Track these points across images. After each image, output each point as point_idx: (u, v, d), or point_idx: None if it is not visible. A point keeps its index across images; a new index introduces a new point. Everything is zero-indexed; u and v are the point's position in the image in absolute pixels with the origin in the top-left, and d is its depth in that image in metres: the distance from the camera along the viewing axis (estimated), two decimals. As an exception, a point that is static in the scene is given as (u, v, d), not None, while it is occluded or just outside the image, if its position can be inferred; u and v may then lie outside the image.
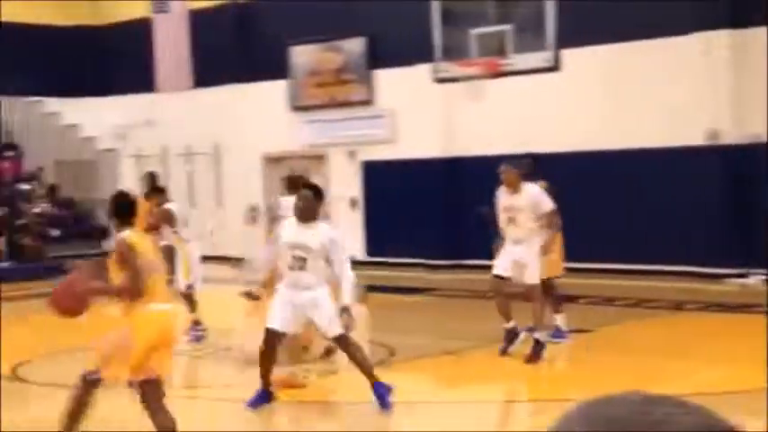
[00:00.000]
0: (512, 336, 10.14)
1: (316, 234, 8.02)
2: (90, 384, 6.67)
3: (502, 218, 10.26)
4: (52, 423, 8.11)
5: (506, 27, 17.73)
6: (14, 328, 13.58)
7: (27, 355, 10.88)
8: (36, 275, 18.44)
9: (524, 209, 10.12)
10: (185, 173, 23.19)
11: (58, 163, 22.18)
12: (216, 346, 11.74)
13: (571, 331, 10.99)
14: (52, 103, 22.64)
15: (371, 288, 14.37)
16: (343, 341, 8.08)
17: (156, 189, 12.86)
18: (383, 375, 8.29)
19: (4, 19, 22.80)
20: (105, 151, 22.30)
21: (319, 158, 21.57)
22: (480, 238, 18.65)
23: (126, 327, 6.54)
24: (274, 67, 21.44)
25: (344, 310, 7.84)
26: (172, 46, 23.45)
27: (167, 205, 12.47)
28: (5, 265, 18.54)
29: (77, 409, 6.71)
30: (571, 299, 11.93)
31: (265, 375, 8.14)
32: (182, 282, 12.08)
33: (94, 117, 23.19)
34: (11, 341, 12.68)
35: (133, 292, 6.45)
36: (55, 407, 8.72)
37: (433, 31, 18.54)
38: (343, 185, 20.57)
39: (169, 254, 11.02)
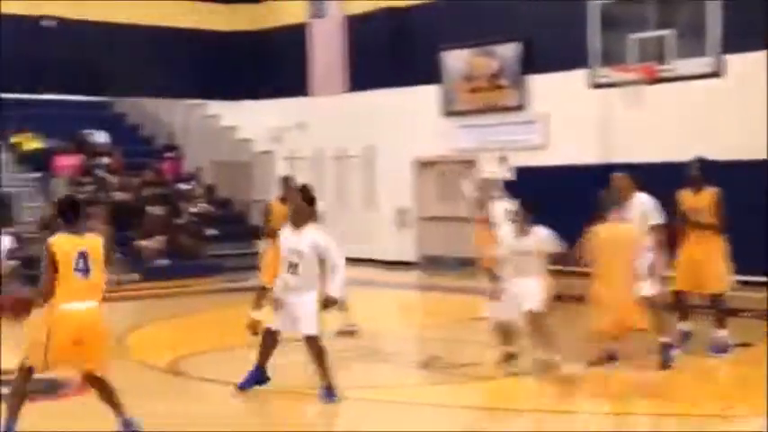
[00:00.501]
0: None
1: (306, 239, 8.60)
2: (26, 372, 7.37)
3: None
4: (207, 418, 8.33)
5: (667, 32, 17.29)
6: (173, 325, 14.01)
7: (186, 351, 11.17)
8: (194, 273, 19.03)
9: (633, 219, 9.96)
10: (337, 175, 23.51)
11: (216, 164, 22.80)
12: (368, 348, 11.82)
13: (735, 345, 10.68)
14: (212, 106, 23.28)
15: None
16: (312, 341, 8.67)
17: (297, 190, 12.64)
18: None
19: (168, 24, 23.61)
20: (261, 153, 22.78)
21: (470, 163, 21.52)
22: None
23: (44, 325, 7.24)
24: (428, 72, 21.50)
25: (328, 301, 8.46)
26: (327, 50, 23.81)
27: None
28: (165, 262, 19.14)
29: (17, 396, 7.39)
30: (733, 312, 11.55)
31: (262, 361, 8.86)
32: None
33: (252, 119, 23.75)
34: (170, 337, 13.12)
35: (44, 293, 7.19)
36: (211, 402, 8.98)
37: (590, 35, 18.22)
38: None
39: None
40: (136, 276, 18.18)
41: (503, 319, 9.89)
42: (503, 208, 11.66)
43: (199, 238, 19.86)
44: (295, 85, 23.89)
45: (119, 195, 20.05)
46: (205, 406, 8.91)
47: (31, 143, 20.59)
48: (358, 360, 11.17)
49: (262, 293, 11.66)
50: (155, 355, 11.10)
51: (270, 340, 8.94)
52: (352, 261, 20.48)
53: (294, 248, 8.58)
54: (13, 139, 20.55)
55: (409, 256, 21.49)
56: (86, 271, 7.19)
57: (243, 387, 8.99)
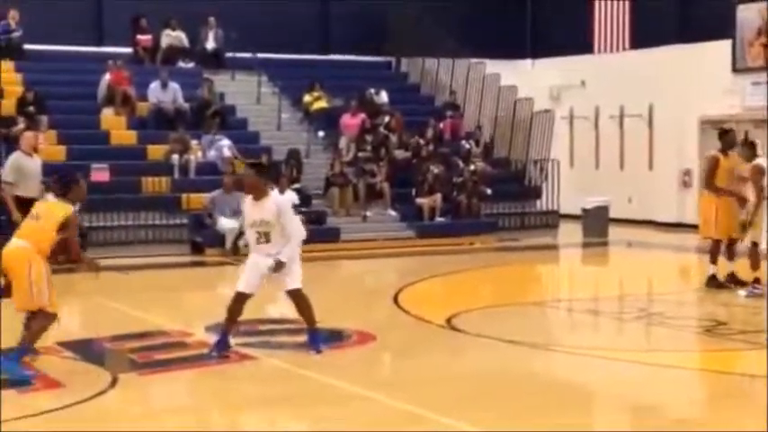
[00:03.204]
0: None
1: (269, 207, 8.89)
2: None
3: None
4: (481, 373, 8.42)
5: None
6: (449, 281, 14.24)
7: (462, 308, 11.34)
8: (471, 231, 19.25)
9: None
10: (617, 135, 22.97)
11: (495, 123, 22.86)
12: (647, 311, 11.54)
13: None
14: (492, 65, 23.33)
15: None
16: (296, 294, 9.10)
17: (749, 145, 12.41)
18: None
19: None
20: (540, 112, 22.62)
21: (761, 122, 20.38)
22: None
23: None
24: (718, 27, 20.49)
25: (278, 264, 8.75)
26: (611, 7, 23.22)
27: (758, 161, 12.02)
28: (442, 220, 19.45)
29: None
30: None
31: (227, 327, 8.99)
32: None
33: (531, 78, 23.59)
34: (446, 293, 13.36)
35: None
36: (487, 358, 9.07)
37: None
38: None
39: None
40: (412, 233, 18.62)
41: None
42: None
43: (476, 196, 20.01)
44: (576, 44, 23.48)
45: (399, 153, 20.52)
46: (481, 361, 9.01)
47: (320, 102, 21.45)
48: (636, 322, 10.94)
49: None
50: (431, 311, 11.34)
51: (240, 304, 9.02)
52: (632, 222, 20.07)
53: (261, 219, 8.89)
54: (303, 99, 21.49)
55: (692, 218, 20.70)
56: None
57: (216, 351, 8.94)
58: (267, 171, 9.73)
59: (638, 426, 7.22)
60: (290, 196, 17.09)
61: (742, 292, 11.94)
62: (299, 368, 8.56)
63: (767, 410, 6.88)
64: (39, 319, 8.08)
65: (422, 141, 20.72)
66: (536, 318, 11.65)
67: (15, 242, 8.12)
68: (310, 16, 23.49)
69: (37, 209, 8.32)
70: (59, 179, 8.40)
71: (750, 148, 12.29)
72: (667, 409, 7.48)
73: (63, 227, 8.05)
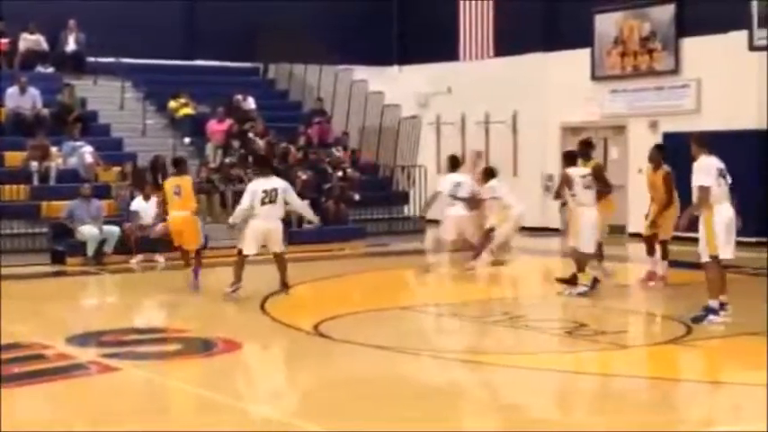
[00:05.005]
0: None
1: (276, 181, 12.88)
2: None
3: None
4: (349, 380, 8.41)
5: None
6: (317, 287, 14.21)
7: (329, 314, 11.32)
8: (339, 237, 19.25)
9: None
10: (483, 141, 23.35)
11: (362, 129, 22.96)
12: (511, 314, 11.74)
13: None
14: (360, 72, 23.42)
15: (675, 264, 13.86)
16: (280, 256, 12.79)
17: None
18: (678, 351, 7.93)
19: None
20: (407, 119, 22.81)
21: (619, 129, 21.05)
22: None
23: None
24: (577, 36, 21.07)
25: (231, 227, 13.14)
26: (475, 15, 23.61)
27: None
28: (310, 226, 19.39)
29: None
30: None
31: (238, 274, 12.64)
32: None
33: (398, 85, 23.78)
34: (314, 300, 13.32)
35: None
36: (353, 364, 9.07)
37: (750, -4, 17.53)
38: (643, 157, 19.94)
39: None
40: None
41: None
42: None
43: (344, 202, 20.04)
44: (443, 51, 23.78)
45: (267, 160, 20.38)
46: (348, 367, 9.00)
47: (186, 108, 21.15)
48: (500, 326, 11.11)
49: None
50: (298, 318, 11.28)
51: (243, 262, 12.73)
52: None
53: (271, 188, 12.67)
54: (168, 105, 21.15)
55: (554, 222, 21.20)
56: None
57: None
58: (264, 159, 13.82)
59: (502, 426, 7.32)
60: (156, 203, 16.83)
61: (574, 290, 12.49)
62: (164, 379, 8.40)
63: (767, 410, 7.01)
64: None
65: (291, 147, 20.64)
66: (404, 323, 11.72)
67: None
68: (175, 21, 23.14)
69: None
70: None
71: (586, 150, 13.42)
72: (528, 410, 7.62)
73: None
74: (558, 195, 13.32)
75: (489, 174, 15.63)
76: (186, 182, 13.89)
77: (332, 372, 8.80)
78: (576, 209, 12.62)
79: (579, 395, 8.22)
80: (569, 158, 12.97)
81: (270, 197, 12.74)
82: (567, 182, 12.60)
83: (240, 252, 12.81)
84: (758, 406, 7.62)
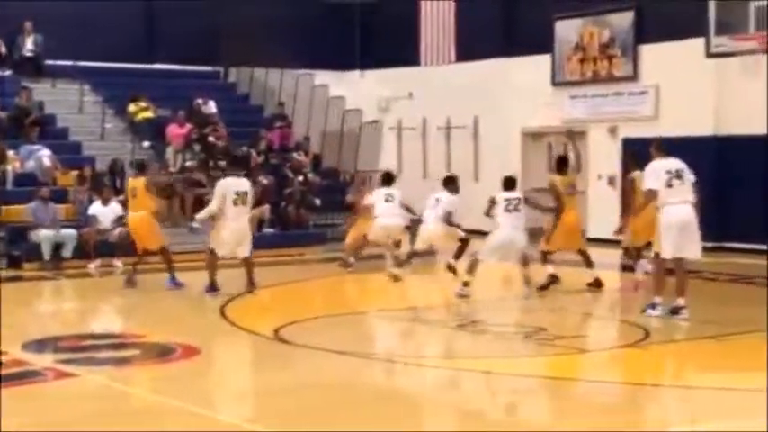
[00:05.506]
0: None
1: (247, 183, 13.07)
2: None
3: None
4: (307, 384, 8.39)
5: (788, -1, 16.69)
6: (278, 292, 14.16)
7: (289, 319, 11.28)
8: (299, 243, 19.20)
9: None
10: (444, 146, 23.39)
11: (324, 134, 22.91)
12: (471, 318, 11.77)
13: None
14: (321, 76, 23.37)
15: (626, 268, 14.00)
16: (248, 260, 12.93)
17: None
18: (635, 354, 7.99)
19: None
20: (369, 123, 22.80)
21: (579, 135, 21.16)
22: (744, 219, 17.83)
23: None
24: (538, 42, 21.18)
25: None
26: (437, 20, 23.67)
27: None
28: (271, 231, 19.34)
29: None
30: None
31: (212, 276, 12.88)
32: None
33: (360, 90, 23.77)
34: (274, 305, 13.28)
35: None
36: (314, 369, 9.04)
37: (707, 4, 17.69)
38: (602, 162, 20.12)
39: None
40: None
41: None
42: None
43: (305, 207, 20.00)
44: (404, 56, 23.81)
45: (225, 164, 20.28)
46: (307, 372, 8.97)
47: (145, 112, 21.01)
48: (461, 330, 11.13)
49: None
50: (258, 323, 11.24)
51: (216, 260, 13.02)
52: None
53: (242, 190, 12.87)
54: (128, 109, 20.99)
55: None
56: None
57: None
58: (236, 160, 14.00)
59: (462, 427, 7.33)
60: (114, 207, 16.70)
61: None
62: (122, 385, 8.33)
63: (767, 410, 7.05)
64: None
65: (251, 152, 20.56)
66: (363, 328, 11.72)
67: None
68: (136, 24, 22.95)
69: None
70: None
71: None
72: (486, 414, 7.64)
73: None
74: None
75: (384, 180, 16.09)
76: (140, 183, 13.93)
77: (290, 376, 8.77)
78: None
79: (537, 398, 8.26)
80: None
81: (242, 199, 12.77)
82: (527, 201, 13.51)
83: (212, 252, 12.78)
84: (714, 407, 7.71)
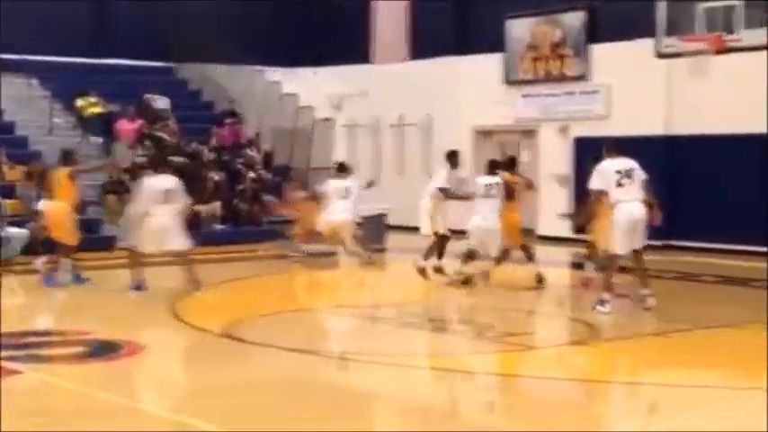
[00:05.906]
0: None
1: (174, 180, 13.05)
2: None
3: None
4: (263, 382, 8.33)
5: (736, 2, 16.86)
6: (228, 289, 14.06)
7: (240, 315, 11.20)
8: (251, 239, 19.09)
9: None
10: (397, 144, 23.38)
11: (275, 130, 22.79)
12: (419, 316, 11.76)
13: None
14: (273, 73, 23.24)
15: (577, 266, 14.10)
16: (183, 254, 12.83)
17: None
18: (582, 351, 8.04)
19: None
20: (321, 120, 22.72)
21: (530, 133, 21.28)
22: (693, 218, 18.04)
23: None
24: (490, 41, 21.24)
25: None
26: (390, 17, 23.64)
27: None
28: (222, 227, 19.22)
29: None
30: None
31: (137, 274, 12.76)
32: None
33: (312, 87, 23.68)
34: (224, 301, 13.18)
35: None
36: (266, 366, 8.98)
37: (657, 4, 17.85)
38: (553, 161, 20.22)
39: None
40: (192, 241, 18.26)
41: None
42: None
43: (256, 204, 19.89)
44: (357, 53, 23.76)
45: (176, 160, 20.09)
46: (256, 370, 8.91)
47: (95, 107, 20.76)
48: (413, 328, 11.12)
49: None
50: (208, 320, 11.14)
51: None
52: (406, 230, 20.52)
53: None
54: (76, 103, 20.73)
55: (465, 224, 21.33)
56: None
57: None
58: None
59: (411, 427, 7.30)
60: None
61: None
62: (65, 382, 8.20)
63: (767, 410, 7.07)
64: None
65: (202, 148, 20.41)
66: (315, 325, 11.67)
67: None
68: (85, 18, 22.69)
69: None
70: None
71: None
72: (437, 411, 7.62)
73: None
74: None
75: (339, 170, 16.11)
76: (64, 173, 13.72)
77: (239, 374, 8.69)
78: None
79: (488, 395, 8.26)
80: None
81: (166, 197, 12.72)
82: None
83: (134, 249, 12.71)
84: (662, 403, 7.76)
